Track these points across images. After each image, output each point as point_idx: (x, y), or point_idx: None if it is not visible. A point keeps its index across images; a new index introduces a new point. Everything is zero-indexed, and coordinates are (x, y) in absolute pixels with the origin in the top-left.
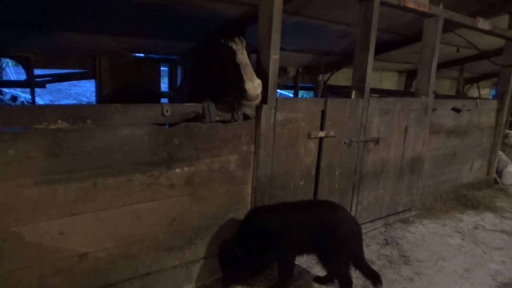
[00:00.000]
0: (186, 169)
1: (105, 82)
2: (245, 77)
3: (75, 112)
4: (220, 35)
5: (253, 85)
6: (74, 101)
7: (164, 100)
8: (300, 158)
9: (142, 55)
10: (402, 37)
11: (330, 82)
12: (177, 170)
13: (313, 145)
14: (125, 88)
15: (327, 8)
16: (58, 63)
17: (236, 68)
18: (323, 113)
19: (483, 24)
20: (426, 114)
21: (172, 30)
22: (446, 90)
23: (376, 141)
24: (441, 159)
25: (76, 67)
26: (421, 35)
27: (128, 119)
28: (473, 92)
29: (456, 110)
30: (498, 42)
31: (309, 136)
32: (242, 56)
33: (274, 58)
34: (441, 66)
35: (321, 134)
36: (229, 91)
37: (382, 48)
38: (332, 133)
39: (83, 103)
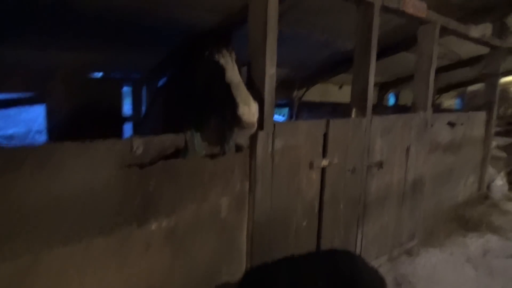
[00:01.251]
0: (165, 223)
1: (58, 106)
2: (238, 100)
3: (7, 156)
4: (202, 44)
5: (249, 110)
6: (23, 129)
7: (128, 125)
8: (302, 192)
9: (101, 74)
10: (383, 47)
11: (305, 98)
12: (154, 226)
13: (315, 176)
14: (82, 112)
15: (312, 14)
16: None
17: (226, 88)
18: (326, 136)
19: (474, 31)
20: (425, 130)
21: (138, 43)
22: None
23: (380, 165)
24: (439, 178)
25: (23, 89)
26: (403, 45)
27: (85, 162)
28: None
29: (451, 125)
30: (476, 51)
31: (311, 165)
32: (233, 73)
33: (271, 73)
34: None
35: (325, 162)
36: (216, 116)
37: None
38: (336, 160)
39: (33, 131)
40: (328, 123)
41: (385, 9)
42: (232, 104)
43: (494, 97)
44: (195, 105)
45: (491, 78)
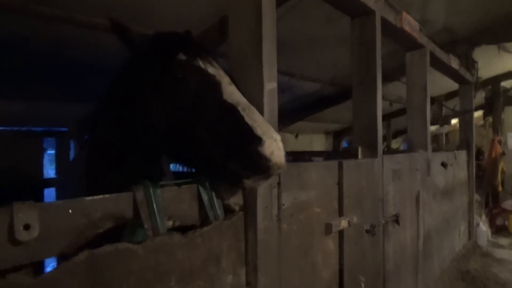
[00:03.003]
0: None
1: None
2: (259, 131)
3: None
4: (164, 47)
5: (278, 147)
6: None
7: (50, 191)
8: (318, 273)
9: (15, 128)
10: (346, 90)
11: None
12: None
13: (333, 245)
14: None
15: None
16: None
17: (231, 112)
18: (340, 186)
19: (454, 62)
20: (428, 173)
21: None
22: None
23: (396, 219)
24: (440, 230)
25: None
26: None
27: None
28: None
29: (444, 166)
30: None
31: (328, 230)
32: (234, 90)
33: (270, 87)
34: None
35: (344, 223)
36: (212, 157)
37: (324, 104)
38: (355, 219)
39: None
40: (341, 166)
41: (383, 23)
42: (248, 138)
43: (471, 135)
44: (155, 141)
45: (465, 115)
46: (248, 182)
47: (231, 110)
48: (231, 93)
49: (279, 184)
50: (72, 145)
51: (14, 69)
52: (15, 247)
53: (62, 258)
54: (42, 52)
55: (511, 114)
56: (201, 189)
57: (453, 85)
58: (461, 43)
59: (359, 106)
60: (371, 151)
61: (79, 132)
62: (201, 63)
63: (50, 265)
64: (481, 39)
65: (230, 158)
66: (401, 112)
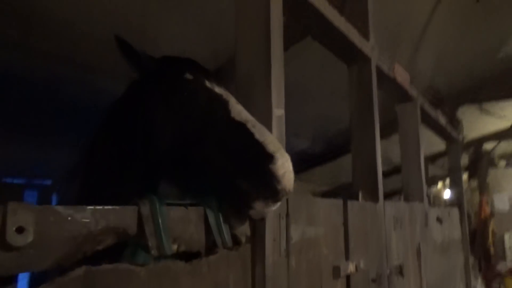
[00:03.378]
0: None
1: None
2: (271, 148)
3: None
4: (168, 66)
5: (288, 165)
6: None
7: None
8: None
9: None
10: (335, 147)
11: None
12: None
13: None
14: None
15: None
16: None
17: (236, 130)
18: (346, 226)
19: (441, 117)
20: (427, 225)
21: (50, 129)
22: None
23: (400, 270)
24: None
25: None
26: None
27: None
28: None
29: (439, 221)
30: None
31: (336, 273)
32: (242, 108)
33: (279, 114)
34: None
35: (351, 267)
36: (218, 176)
37: (313, 162)
38: (361, 264)
39: None
40: (345, 205)
41: (377, 72)
42: (259, 155)
43: (461, 193)
44: (157, 163)
45: (453, 174)
46: (257, 204)
47: (241, 127)
48: (240, 111)
49: (287, 215)
50: (53, 199)
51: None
52: (6, 252)
53: (49, 273)
54: (32, 92)
55: (495, 176)
56: (209, 211)
57: (438, 147)
58: (446, 101)
59: (359, 149)
60: (372, 195)
61: (67, 184)
62: (207, 83)
63: (22, 280)
64: (464, 98)
65: (239, 176)
66: (387, 173)
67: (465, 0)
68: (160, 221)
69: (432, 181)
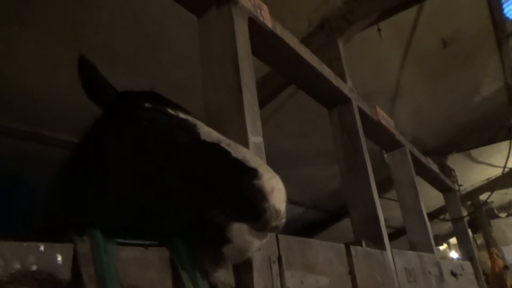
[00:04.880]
0: None
1: None
2: (251, 163)
3: None
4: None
5: (277, 182)
6: None
7: None
8: None
9: None
10: (329, 213)
11: None
12: None
13: None
14: None
15: None
16: None
17: (208, 152)
18: (353, 276)
19: (433, 165)
20: (442, 279)
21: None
22: None
23: None
24: None
25: None
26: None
27: None
28: None
29: (454, 275)
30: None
31: None
32: (212, 130)
33: (256, 141)
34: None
35: None
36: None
37: (309, 230)
38: None
39: None
40: (348, 250)
41: (361, 114)
42: (238, 172)
43: (469, 244)
44: (115, 213)
45: (457, 224)
46: (234, 233)
47: (214, 147)
48: (209, 132)
49: (279, 258)
50: None
51: None
52: None
53: None
54: None
55: (499, 228)
56: (175, 253)
57: (434, 203)
58: (433, 153)
59: (353, 196)
60: (377, 244)
61: None
62: (169, 110)
63: None
64: (449, 148)
65: (213, 205)
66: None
67: (432, 47)
68: (104, 261)
69: (436, 241)
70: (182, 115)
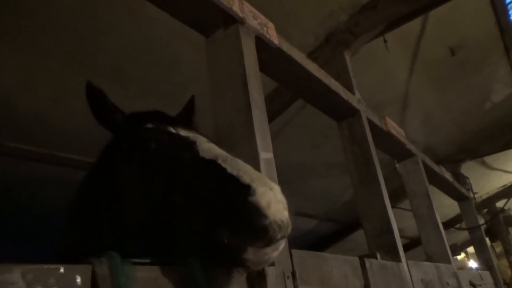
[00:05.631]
0: None
1: None
2: (245, 178)
3: None
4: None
5: (273, 194)
6: None
7: None
8: None
9: None
10: (342, 225)
11: None
12: None
13: None
14: None
15: None
16: None
17: (206, 170)
18: None
19: (446, 174)
20: None
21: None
22: None
23: None
24: None
25: None
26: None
27: None
28: None
29: (473, 286)
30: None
31: None
32: (212, 146)
33: (266, 157)
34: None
35: None
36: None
37: (323, 243)
38: None
39: None
40: (363, 264)
41: (370, 126)
42: (232, 189)
43: (488, 253)
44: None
45: (474, 233)
46: (249, 254)
47: (210, 165)
48: (210, 148)
49: (293, 274)
50: None
51: None
52: None
53: None
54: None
55: None
56: (190, 273)
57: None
58: (446, 161)
59: (366, 207)
60: (392, 256)
61: None
62: (171, 129)
63: None
64: (463, 155)
65: (218, 225)
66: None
67: (440, 56)
68: (122, 283)
69: (453, 251)
70: (183, 133)
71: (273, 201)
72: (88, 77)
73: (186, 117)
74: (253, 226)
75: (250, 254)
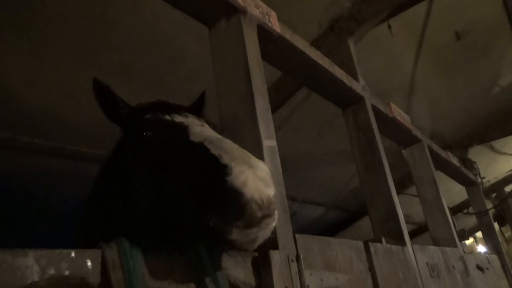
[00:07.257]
0: None
1: None
2: (225, 158)
3: None
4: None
5: (252, 172)
6: None
7: None
8: None
9: None
10: (349, 213)
11: None
12: None
13: None
14: None
15: None
16: None
17: (194, 153)
18: (373, 273)
19: (453, 159)
20: (468, 274)
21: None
22: None
23: None
24: None
25: None
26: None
27: None
28: None
29: (480, 269)
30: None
31: None
32: (203, 129)
33: (270, 144)
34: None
35: None
36: (179, 208)
37: (331, 230)
38: None
39: None
40: (367, 248)
41: (375, 112)
42: (213, 172)
43: (496, 237)
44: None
45: (482, 218)
46: (234, 233)
47: (198, 148)
48: (200, 132)
49: (297, 257)
50: None
51: None
52: None
53: None
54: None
55: None
56: (196, 258)
57: (457, 197)
58: (453, 147)
59: (372, 194)
60: (397, 240)
61: None
62: (166, 116)
63: None
64: (470, 140)
65: (204, 207)
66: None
67: (445, 41)
68: (131, 266)
69: (461, 236)
70: (178, 119)
71: (251, 179)
72: (95, 72)
73: (196, 110)
74: (231, 205)
75: (235, 234)
